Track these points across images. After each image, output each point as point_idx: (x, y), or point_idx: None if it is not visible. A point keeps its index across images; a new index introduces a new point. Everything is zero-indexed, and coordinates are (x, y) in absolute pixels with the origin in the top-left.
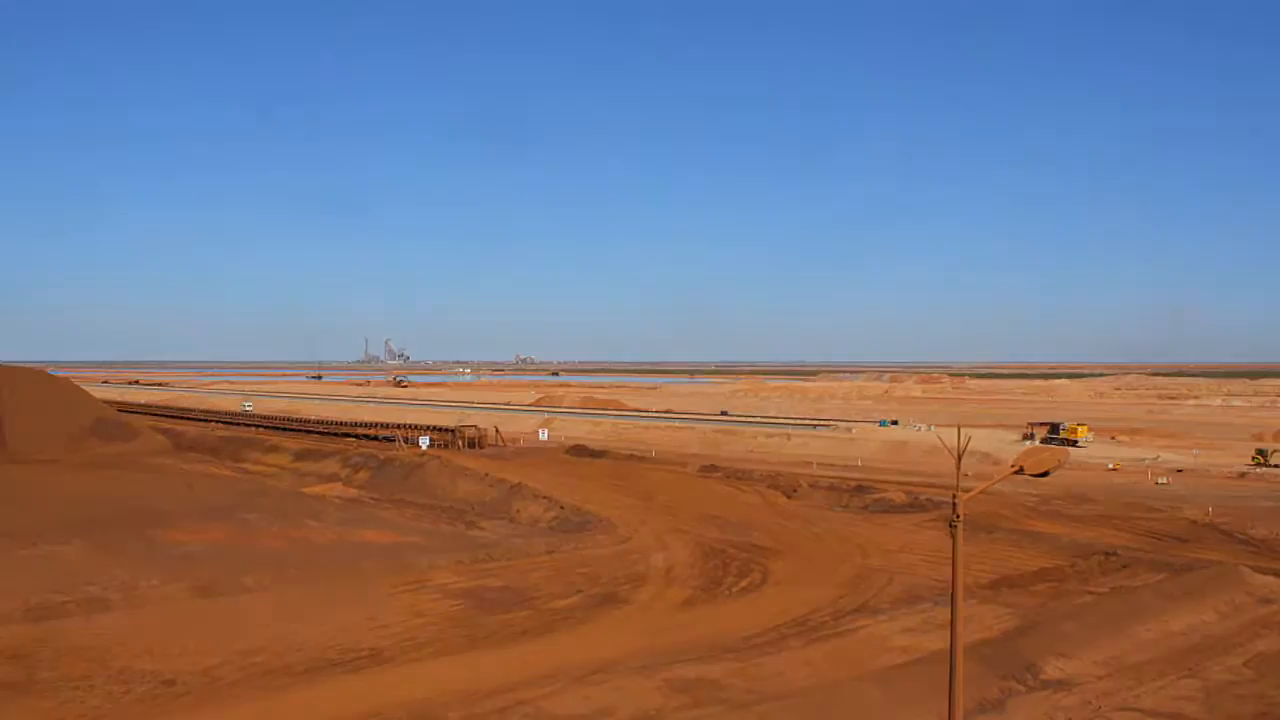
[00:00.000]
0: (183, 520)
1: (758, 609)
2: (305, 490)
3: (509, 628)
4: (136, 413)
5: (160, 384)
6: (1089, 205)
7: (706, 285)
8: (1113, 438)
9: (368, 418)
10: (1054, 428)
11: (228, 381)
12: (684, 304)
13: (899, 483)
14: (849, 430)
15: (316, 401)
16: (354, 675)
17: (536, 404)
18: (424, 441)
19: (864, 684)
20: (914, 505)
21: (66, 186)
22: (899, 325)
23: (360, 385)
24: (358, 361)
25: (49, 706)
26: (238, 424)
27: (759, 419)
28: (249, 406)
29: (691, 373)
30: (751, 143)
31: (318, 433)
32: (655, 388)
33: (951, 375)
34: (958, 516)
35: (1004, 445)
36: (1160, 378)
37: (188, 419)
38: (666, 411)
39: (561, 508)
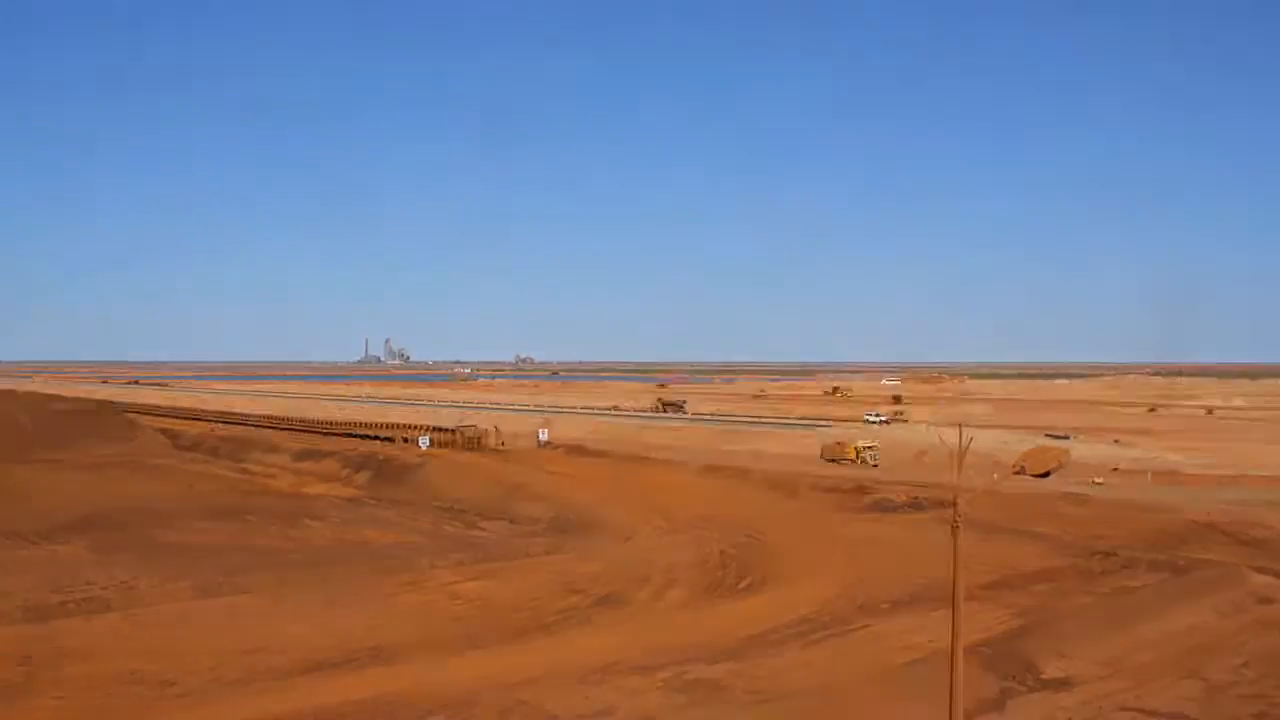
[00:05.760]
0: (183, 520)
1: (758, 609)
2: (305, 490)
3: (509, 628)
4: (136, 413)
5: (160, 384)
6: (1089, 204)
7: (707, 285)
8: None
9: (367, 418)
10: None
11: (225, 382)
12: (684, 304)
13: (899, 482)
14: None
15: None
16: (354, 675)
17: (537, 404)
18: (424, 441)
19: (864, 684)
20: (914, 505)
21: (65, 186)
22: (899, 325)
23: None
24: (358, 361)
25: (49, 706)
26: (238, 424)
27: (759, 419)
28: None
29: (691, 372)
30: (752, 141)
31: (318, 433)
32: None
33: (951, 375)
34: (958, 517)
35: (1005, 445)
36: (1160, 378)
37: (188, 419)
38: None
39: (561, 508)
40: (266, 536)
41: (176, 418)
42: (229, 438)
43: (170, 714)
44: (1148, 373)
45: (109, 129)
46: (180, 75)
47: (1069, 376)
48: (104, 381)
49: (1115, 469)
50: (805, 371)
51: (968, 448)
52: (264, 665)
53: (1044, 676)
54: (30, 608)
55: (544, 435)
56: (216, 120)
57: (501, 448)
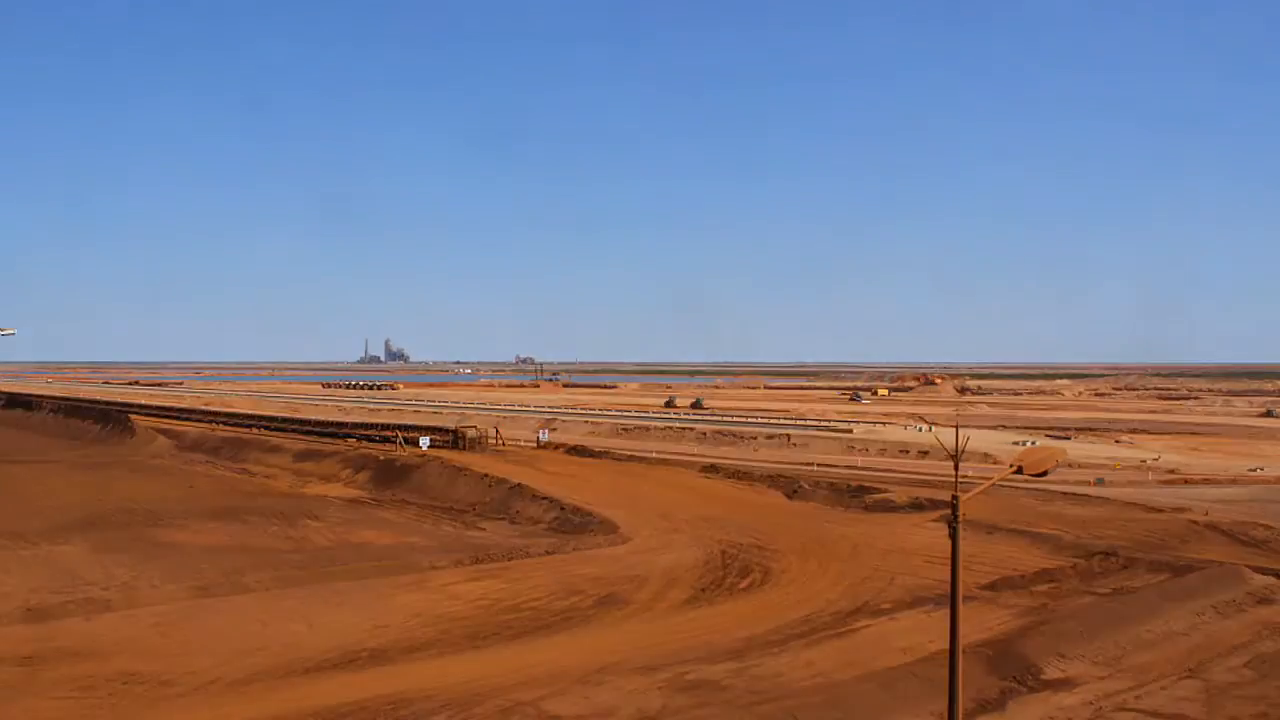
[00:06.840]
0: (183, 520)
1: (759, 609)
2: (305, 490)
3: (509, 628)
4: (136, 413)
5: (160, 384)
6: (1089, 203)
7: (707, 285)
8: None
9: (367, 418)
10: None
11: (231, 382)
12: (684, 304)
13: (899, 483)
14: (849, 430)
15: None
16: (354, 676)
17: (537, 404)
18: (424, 442)
19: (865, 684)
20: (914, 505)
21: (66, 187)
22: (899, 325)
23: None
24: (358, 361)
25: (49, 706)
26: (238, 424)
27: (759, 419)
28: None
29: (691, 373)
30: (751, 141)
31: (318, 433)
32: (656, 388)
33: (951, 375)
34: (957, 517)
35: (1003, 445)
36: (1160, 378)
37: (188, 419)
38: (667, 411)
39: (562, 508)
40: (266, 536)
41: (176, 418)
42: (229, 438)
43: (170, 714)
44: (1147, 373)
45: (108, 129)
46: (179, 73)
47: (1069, 377)
48: (104, 382)
49: (1116, 468)
50: (808, 372)
51: (965, 447)
52: (264, 665)
53: (1044, 676)
54: (30, 608)
55: (544, 435)
56: (217, 120)
57: (502, 448)
